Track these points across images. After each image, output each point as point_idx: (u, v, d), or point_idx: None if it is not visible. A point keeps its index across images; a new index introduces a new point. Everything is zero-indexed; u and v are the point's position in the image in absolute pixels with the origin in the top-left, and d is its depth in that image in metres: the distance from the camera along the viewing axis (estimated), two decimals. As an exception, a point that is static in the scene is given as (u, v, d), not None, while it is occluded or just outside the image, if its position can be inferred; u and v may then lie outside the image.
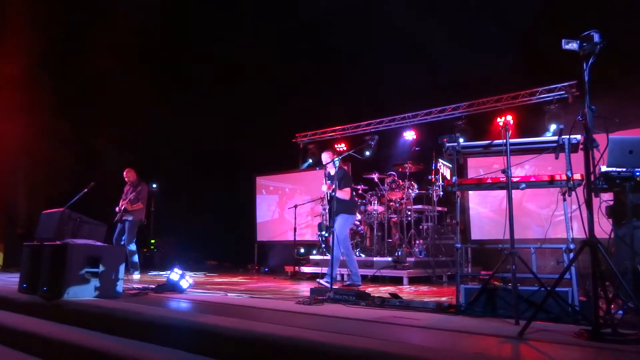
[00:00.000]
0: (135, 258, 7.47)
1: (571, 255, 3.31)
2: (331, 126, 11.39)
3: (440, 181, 7.72)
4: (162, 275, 7.28)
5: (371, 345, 2.21)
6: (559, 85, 8.30)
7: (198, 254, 10.97)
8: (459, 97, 9.40)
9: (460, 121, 9.32)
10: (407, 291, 5.37)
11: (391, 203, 7.82)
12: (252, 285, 6.16)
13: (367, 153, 9.41)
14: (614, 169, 3.31)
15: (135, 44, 9.57)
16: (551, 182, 3.51)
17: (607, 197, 3.54)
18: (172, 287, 4.73)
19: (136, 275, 7.12)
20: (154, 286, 4.81)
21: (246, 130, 11.15)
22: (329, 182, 5.89)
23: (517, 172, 5.04)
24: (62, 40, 9.44)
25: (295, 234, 7.80)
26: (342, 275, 7.17)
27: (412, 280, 6.59)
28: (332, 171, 5.98)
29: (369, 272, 6.76)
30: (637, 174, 3.28)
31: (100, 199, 6.94)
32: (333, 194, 5.66)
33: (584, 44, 2.64)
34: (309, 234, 9.99)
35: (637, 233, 3.30)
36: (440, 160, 7.57)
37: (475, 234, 8.77)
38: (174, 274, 4.76)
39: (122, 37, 9.15)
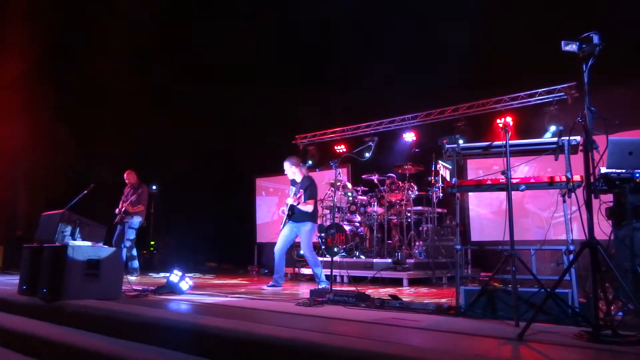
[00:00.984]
0: (135, 257, 7.48)
1: (571, 256, 3.31)
2: (331, 127, 11.40)
3: (440, 182, 7.72)
4: (162, 277, 7.27)
5: (371, 347, 2.21)
6: (559, 86, 8.31)
7: (198, 255, 10.95)
8: (458, 98, 9.40)
9: (459, 122, 9.32)
10: (406, 293, 5.36)
11: (391, 206, 7.82)
12: (252, 286, 6.15)
13: (367, 154, 9.37)
14: (613, 170, 3.32)
15: (135, 44, 9.58)
16: (551, 184, 3.50)
17: (607, 198, 3.54)
18: (171, 289, 4.72)
19: (135, 277, 7.12)
20: (153, 288, 4.81)
21: (246, 132, 11.15)
22: (294, 189, 5.91)
23: (517, 174, 5.04)
24: (62, 41, 9.44)
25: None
26: (341, 277, 7.17)
27: (412, 282, 6.58)
28: (298, 178, 5.97)
29: (368, 273, 6.76)
30: (637, 175, 3.29)
31: (100, 200, 6.95)
32: (296, 204, 5.68)
33: (584, 46, 2.65)
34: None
35: (637, 234, 3.30)
36: (440, 161, 7.56)
37: (475, 236, 8.77)
38: (174, 276, 4.76)
39: (122, 37, 9.16)
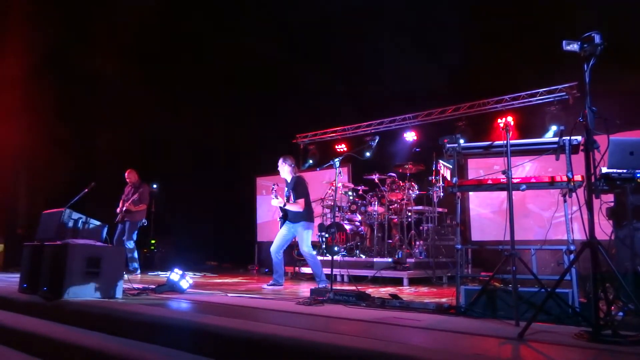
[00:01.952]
0: (135, 258, 7.48)
1: (571, 256, 3.31)
2: (331, 127, 11.40)
3: (441, 182, 7.71)
4: (162, 276, 7.27)
5: (371, 346, 2.21)
6: (560, 86, 8.30)
7: (198, 254, 10.96)
8: (459, 98, 9.40)
9: (460, 122, 9.32)
10: (407, 292, 5.37)
11: (391, 205, 7.82)
12: (253, 285, 6.16)
13: (368, 154, 9.37)
14: (614, 170, 3.31)
15: (135, 44, 9.58)
16: (552, 184, 3.50)
17: (608, 198, 3.54)
18: (172, 288, 4.73)
19: (136, 276, 7.13)
20: (154, 286, 4.81)
21: (246, 131, 11.15)
22: (285, 189, 5.90)
23: (518, 173, 5.04)
24: (62, 41, 9.44)
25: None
26: (342, 276, 7.17)
27: (412, 281, 6.58)
28: (288, 178, 5.98)
29: (369, 272, 6.76)
30: (638, 175, 3.28)
31: (100, 199, 6.95)
32: (283, 206, 5.68)
33: (585, 45, 2.64)
34: (309, 235, 9.96)
35: (637, 234, 3.30)
36: (440, 161, 7.55)
37: (476, 235, 8.76)
38: (174, 275, 4.76)
39: (122, 37, 9.16)
